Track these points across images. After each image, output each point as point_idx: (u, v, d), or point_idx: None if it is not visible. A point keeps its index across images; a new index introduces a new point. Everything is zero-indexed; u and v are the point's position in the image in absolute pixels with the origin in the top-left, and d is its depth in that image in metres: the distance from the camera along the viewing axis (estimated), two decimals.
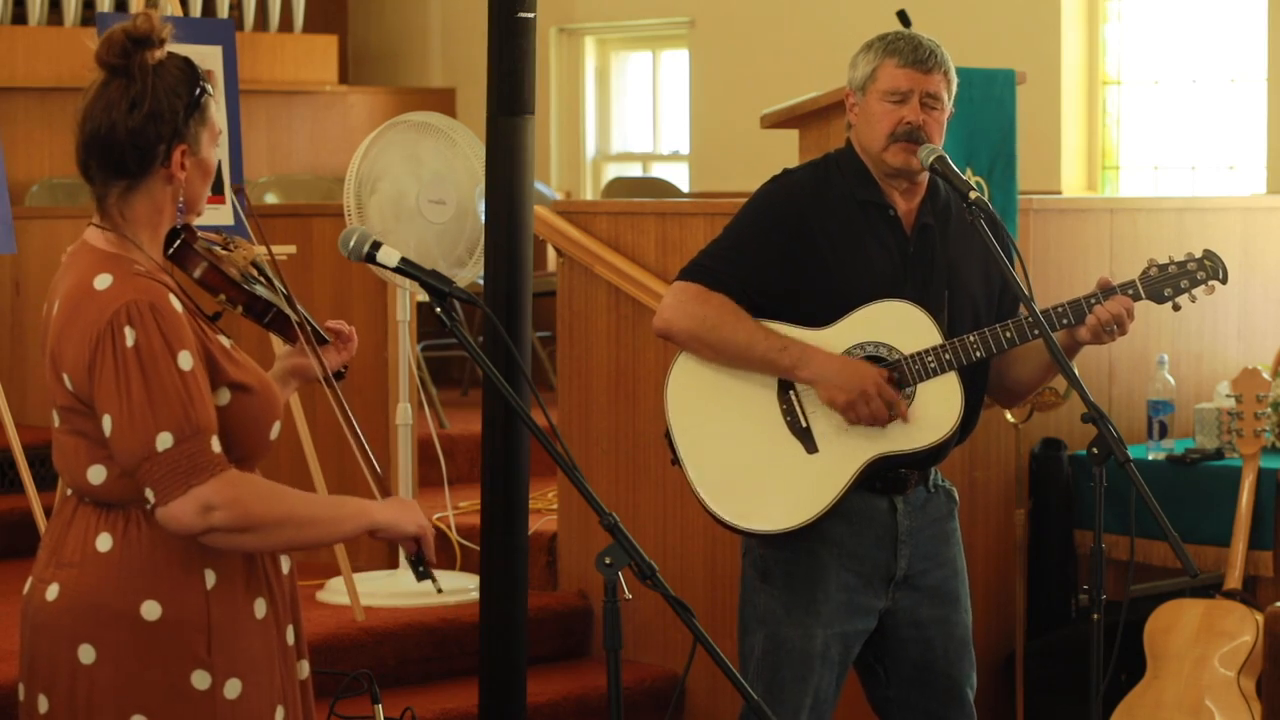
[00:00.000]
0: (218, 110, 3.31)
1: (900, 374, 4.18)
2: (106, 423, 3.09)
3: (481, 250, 6.19)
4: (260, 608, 3.26)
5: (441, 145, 6.38)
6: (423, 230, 6.33)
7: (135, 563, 3.16)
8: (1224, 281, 4.29)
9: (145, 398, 3.07)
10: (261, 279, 3.43)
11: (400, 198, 6.33)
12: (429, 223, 6.31)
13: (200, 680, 3.17)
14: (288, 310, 3.41)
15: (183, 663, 3.16)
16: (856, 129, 4.28)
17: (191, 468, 3.08)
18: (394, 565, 6.59)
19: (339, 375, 3.58)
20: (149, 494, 3.10)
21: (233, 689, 3.20)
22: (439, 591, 3.43)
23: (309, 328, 3.49)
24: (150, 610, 3.15)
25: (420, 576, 3.34)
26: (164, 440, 3.07)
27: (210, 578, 3.19)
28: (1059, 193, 8.64)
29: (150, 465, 3.07)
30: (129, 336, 3.08)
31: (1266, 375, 5.80)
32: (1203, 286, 4.27)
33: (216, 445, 3.11)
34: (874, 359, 4.20)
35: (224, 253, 3.38)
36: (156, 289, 3.13)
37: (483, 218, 6.12)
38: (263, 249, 3.47)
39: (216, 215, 5.88)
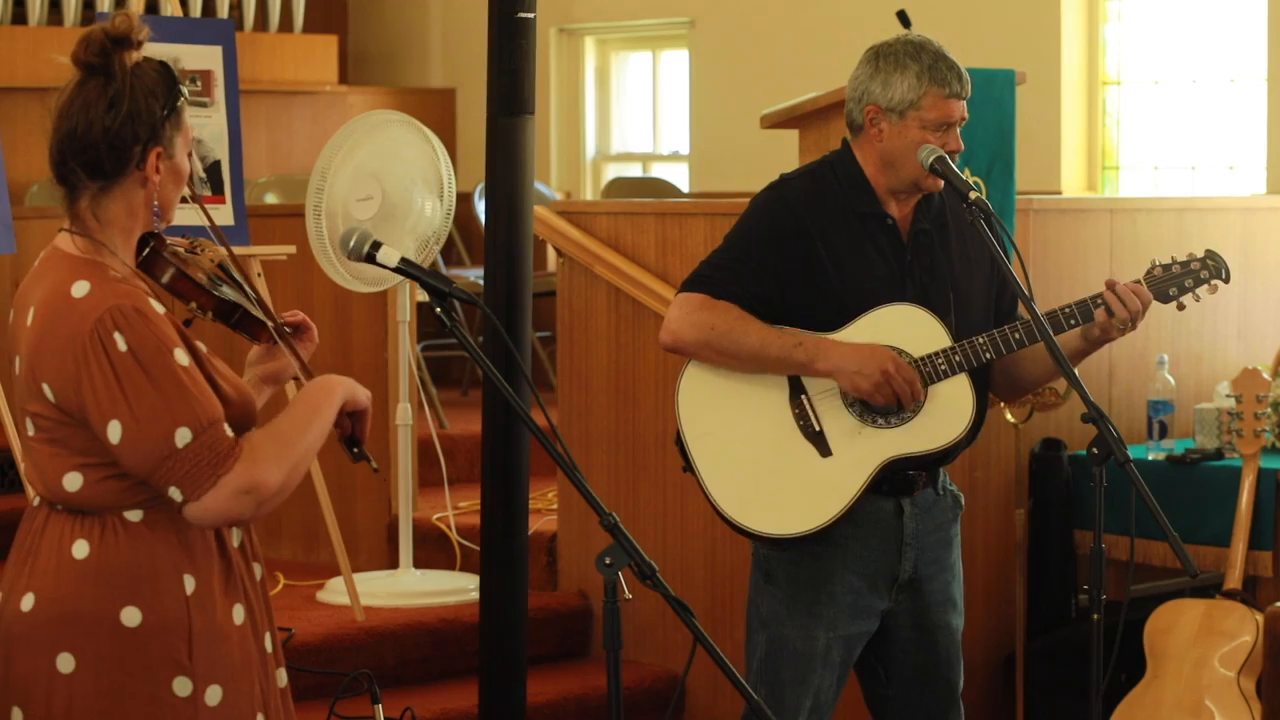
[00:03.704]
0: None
1: None
2: (114, 429, 3.06)
3: (426, 243, 6.17)
4: (239, 614, 3.24)
5: (376, 141, 6.34)
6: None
7: (114, 569, 3.13)
8: (1226, 281, 4.30)
9: (155, 396, 3.05)
10: (228, 280, 3.41)
11: (340, 199, 6.30)
12: (355, 220, 6.23)
13: (182, 687, 3.15)
14: (255, 312, 3.38)
15: (164, 669, 3.14)
16: (885, 146, 4.21)
17: (215, 458, 3.07)
18: (394, 565, 6.59)
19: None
20: (174, 492, 3.08)
21: (214, 696, 3.17)
22: (375, 470, 3.41)
23: (281, 327, 3.46)
24: (130, 617, 3.13)
25: (357, 458, 3.33)
26: (183, 436, 3.06)
27: (190, 583, 3.17)
28: (1059, 193, 8.63)
29: (173, 463, 3.06)
30: (120, 341, 3.06)
31: (1266, 375, 5.80)
32: (1206, 286, 4.29)
33: (229, 429, 3.11)
34: None
35: (190, 256, 3.35)
36: (137, 293, 3.12)
37: (437, 210, 6.11)
38: (222, 251, 3.44)
39: (218, 215, 5.88)
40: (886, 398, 4.14)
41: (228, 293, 3.35)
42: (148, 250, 3.26)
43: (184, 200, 3.32)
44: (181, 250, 3.34)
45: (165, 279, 3.27)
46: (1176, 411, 6.01)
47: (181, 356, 3.10)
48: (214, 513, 3.09)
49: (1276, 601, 5.36)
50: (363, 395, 3.30)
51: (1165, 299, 4.27)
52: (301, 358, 3.45)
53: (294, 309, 3.54)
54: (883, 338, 4.19)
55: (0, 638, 3.19)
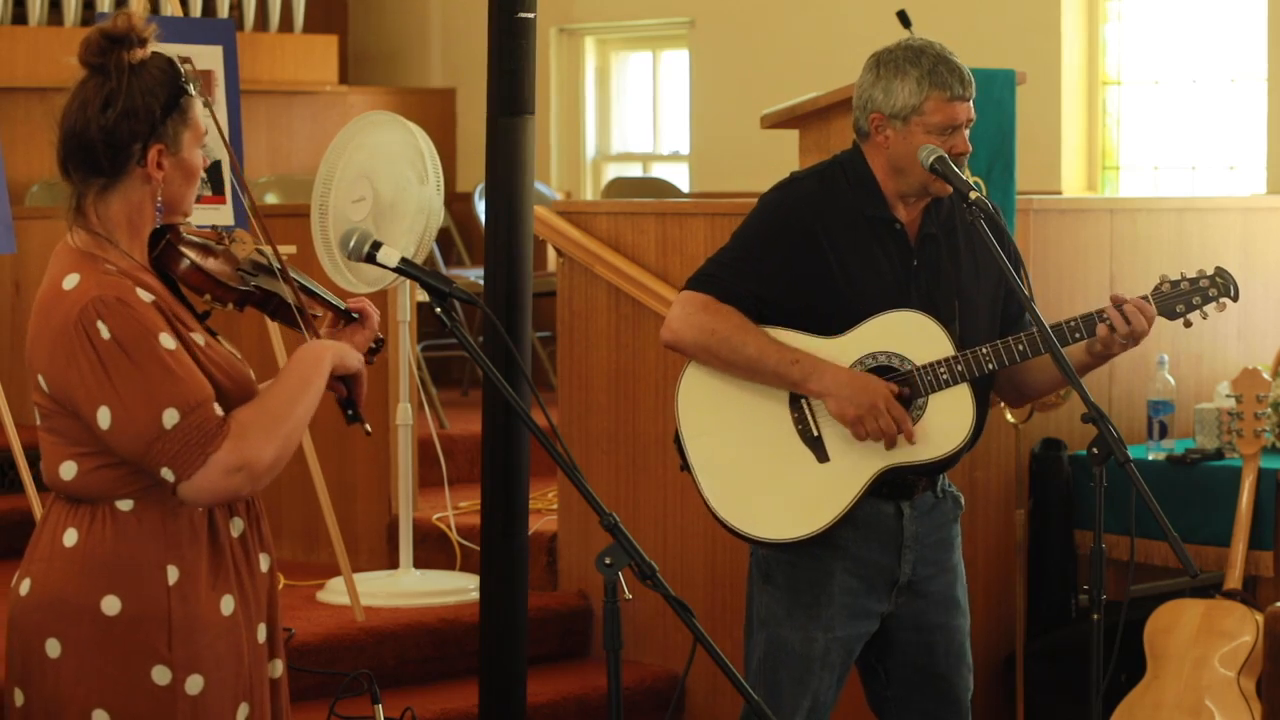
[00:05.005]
0: (206, 112, 3.31)
1: (912, 385, 4.18)
2: (103, 415, 3.11)
3: (421, 238, 6.16)
4: (227, 605, 3.26)
5: (370, 142, 6.33)
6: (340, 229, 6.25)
7: (97, 558, 3.18)
8: (1235, 299, 4.30)
9: (141, 380, 3.10)
10: (269, 270, 3.41)
11: (337, 202, 6.30)
12: (351, 221, 6.21)
13: (160, 676, 3.19)
14: (290, 299, 3.39)
15: (143, 658, 3.18)
16: (892, 153, 4.21)
17: (203, 437, 3.11)
18: (394, 565, 6.59)
19: (372, 350, 3.57)
20: (166, 474, 3.12)
21: (194, 685, 3.21)
22: (368, 433, 3.44)
23: (316, 311, 3.46)
24: (110, 605, 3.18)
25: (351, 420, 3.37)
26: (170, 416, 3.10)
27: (173, 574, 3.21)
28: (1059, 193, 8.63)
29: (162, 444, 3.10)
30: (103, 330, 3.11)
31: (1266, 375, 5.80)
32: (1213, 304, 4.28)
33: (219, 409, 3.14)
34: (885, 369, 4.19)
35: (220, 249, 3.36)
36: (123, 284, 3.16)
37: (421, 205, 6.10)
38: (268, 248, 3.45)
39: (216, 215, 5.88)
40: (870, 431, 4.13)
41: (261, 283, 3.36)
42: (163, 244, 3.27)
43: (198, 199, 3.34)
44: (211, 242, 3.35)
45: (179, 271, 3.28)
46: (1176, 411, 6.01)
47: (167, 341, 3.14)
48: (207, 491, 3.13)
49: (1276, 601, 5.36)
50: (353, 360, 3.33)
51: (1172, 316, 4.27)
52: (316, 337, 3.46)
53: (359, 299, 3.56)
54: (886, 344, 4.18)
55: (5, 621, 3.28)
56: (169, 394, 3.10)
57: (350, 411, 3.37)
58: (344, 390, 3.35)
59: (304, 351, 3.31)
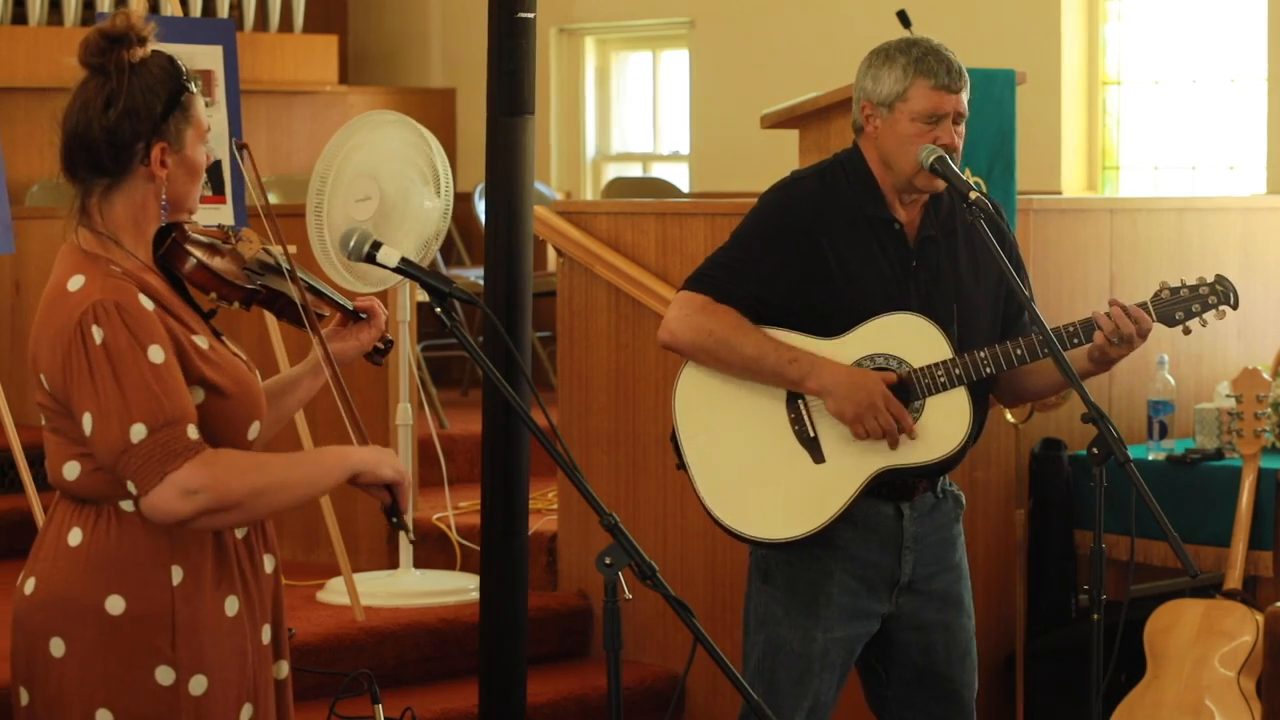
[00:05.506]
0: (209, 109, 3.31)
1: (909, 387, 4.18)
2: (86, 421, 3.12)
3: (426, 242, 6.16)
4: (231, 605, 3.27)
5: (373, 141, 6.33)
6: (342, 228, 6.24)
7: (102, 557, 3.18)
8: (1235, 307, 4.29)
9: (118, 392, 3.09)
10: (276, 269, 3.42)
11: (340, 201, 6.29)
12: (355, 221, 6.21)
13: (164, 676, 3.19)
14: (297, 299, 3.40)
15: (146, 658, 3.19)
16: (880, 143, 4.22)
17: (166, 455, 3.10)
18: (394, 565, 6.59)
19: (380, 350, 3.57)
20: (131, 487, 3.13)
21: (198, 685, 3.22)
22: (412, 541, 3.46)
23: (324, 311, 3.48)
24: (114, 605, 3.18)
25: (395, 527, 3.37)
26: (138, 431, 3.09)
27: (177, 574, 3.21)
28: (1059, 193, 8.63)
29: (128, 458, 3.10)
30: (97, 335, 3.11)
31: (1266, 375, 5.80)
32: (1213, 311, 4.28)
33: (193, 432, 3.13)
34: (883, 371, 4.19)
35: (226, 248, 3.37)
36: (125, 287, 3.15)
37: (428, 205, 6.10)
38: (276, 247, 3.46)
39: (218, 215, 5.88)
40: (870, 430, 4.13)
41: (269, 281, 3.36)
42: (168, 242, 3.27)
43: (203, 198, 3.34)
44: (218, 241, 3.35)
45: (184, 269, 3.28)
46: (1176, 411, 6.01)
47: (156, 354, 3.13)
48: (159, 510, 3.12)
49: (1276, 601, 5.36)
50: (388, 471, 3.30)
51: (1171, 323, 4.26)
52: (326, 345, 3.46)
53: (368, 298, 3.57)
54: (884, 346, 4.18)
55: (10, 620, 3.28)
56: (141, 409, 3.09)
57: (394, 519, 3.36)
58: (389, 498, 3.33)
59: (336, 447, 3.32)
